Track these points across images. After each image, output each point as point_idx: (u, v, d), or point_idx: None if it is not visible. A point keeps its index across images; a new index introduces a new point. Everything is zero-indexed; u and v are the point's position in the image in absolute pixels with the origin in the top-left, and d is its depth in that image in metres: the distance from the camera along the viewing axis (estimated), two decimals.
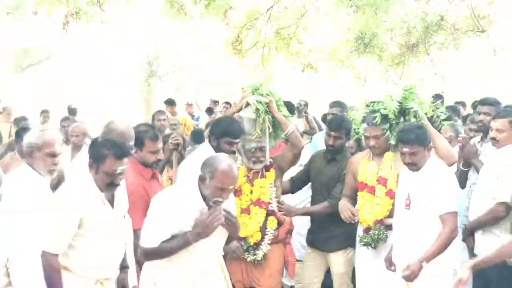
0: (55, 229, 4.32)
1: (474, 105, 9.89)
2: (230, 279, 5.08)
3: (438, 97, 10.81)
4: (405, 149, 5.07)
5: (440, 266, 4.95)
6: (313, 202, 6.55)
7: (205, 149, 5.79)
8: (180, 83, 19.01)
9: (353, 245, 6.17)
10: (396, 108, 5.63)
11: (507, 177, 5.45)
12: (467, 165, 6.16)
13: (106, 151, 4.47)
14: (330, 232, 6.17)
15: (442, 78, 14.09)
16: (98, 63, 18.86)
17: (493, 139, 5.75)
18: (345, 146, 6.49)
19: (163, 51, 17.38)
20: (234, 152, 5.78)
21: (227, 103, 14.06)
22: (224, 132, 5.75)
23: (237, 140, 5.77)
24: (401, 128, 5.33)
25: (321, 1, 13.98)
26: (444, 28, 13.12)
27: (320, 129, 10.35)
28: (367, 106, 5.90)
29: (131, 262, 5.01)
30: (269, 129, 6.10)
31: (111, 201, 4.60)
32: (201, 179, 4.44)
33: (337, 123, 6.36)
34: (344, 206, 5.87)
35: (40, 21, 14.89)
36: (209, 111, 15.40)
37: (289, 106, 8.15)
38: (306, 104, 11.04)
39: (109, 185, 4.50)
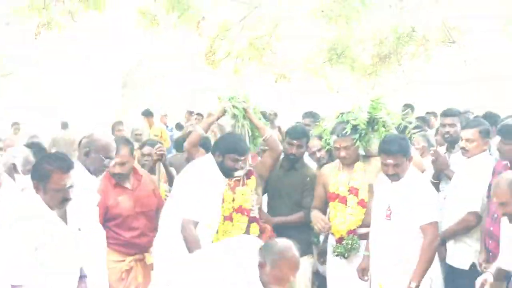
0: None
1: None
2: None
3: (408, 106, 10.93)
4: (389, 161, 5.10)
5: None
6: (271, 209, 6.56)
7: (207, 162, 5.72)
8: (156, 93, 18.94)
9: (310, 252, 6.23)
10: (366, 119, 5.66)
11: (477, 187, 5.51)
12: (437, 177, 6.20)
13: (50, 167, 4.29)
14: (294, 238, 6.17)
15: (414, 88, 14.22)
16: (72, 74, 18.73)
17: (463, 149, 5.80)
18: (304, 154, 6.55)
19: (139, 60, 17.34)
20: (236, 170, 5.70)
21: (198, 114, 14.02)
22: (230, 148, 5.67)
23: (242, 158, 5.68)
24: (383, 139, 5.35)
25: (294, 12, 14.02)
26: (415, 39, 13.22)
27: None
28: (337, 117, 5.93)
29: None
30: (248, 134, 6.16)
31: (64, 217, 4.44)
32: (260, 265, 4.07)
33: (299, 132, 6.41)
34: (317, 217, 5.87)
35: (12, 31, 14.70)
36: (179, 126, 15.32)
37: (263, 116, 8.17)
38: (275, 114, 11.06)
39: (62, 201, 4.33)
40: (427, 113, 11.33)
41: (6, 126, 14.50)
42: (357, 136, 5.62)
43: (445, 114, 6.62)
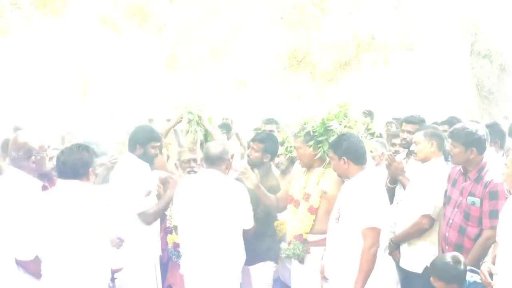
0: None
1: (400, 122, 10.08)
2: None
3: (367, 114, 10.99)
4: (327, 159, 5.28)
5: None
6: None
7: (129, 160, 5.76)
8: (117, 99, 18.79)
9: (274, 259, 6.19)
10: (320, 126, 5.64)
11: (431, 191, 5.54)
12: (393, 181, 6.22)
13: None
14: (252, 245, 6.14)
15: (375, 94, 14.34)
16: (30, 79, 18.47)
17: (412, 151, 5.87)
18: (262, 162, 6.50)
19: (98, 66, 17.21)
20: (157, 155, 5.84)
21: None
22: (149, 137, 5.79)
23: (159, 144, 5.83)
24: None
25: (254, 19, 14.09)
26: (375, 45, 13.38)
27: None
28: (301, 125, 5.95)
29: None
30: (200, 140, 6.22)
31: None
32: None
33: (261, 137, 6.42)
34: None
35: None
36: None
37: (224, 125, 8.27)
38: (231, 121, 11.05)
39: None
40: (394, 118, 11.40)
41: None
42: (311, 142, 5.60)
43: (406, 120, 6.68)
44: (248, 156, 6.39)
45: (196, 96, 15.77)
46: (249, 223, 5.50)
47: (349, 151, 5.11)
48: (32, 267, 4.45)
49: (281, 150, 6.67)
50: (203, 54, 15.20)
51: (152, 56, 15.23)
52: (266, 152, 6.29)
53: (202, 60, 15.21)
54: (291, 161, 6.73)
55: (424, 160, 5.80)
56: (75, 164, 4.54)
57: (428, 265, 5.18)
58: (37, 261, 4.44)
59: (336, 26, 12.80)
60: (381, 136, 9.18)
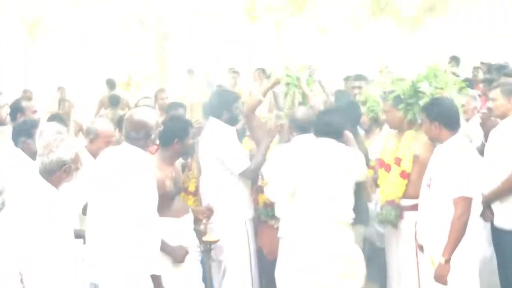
0: None
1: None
2: None
3: (453, 59, 10.65)
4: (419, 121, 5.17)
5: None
6: None
7: (217, 125, 5.78)
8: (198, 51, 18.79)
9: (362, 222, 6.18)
10: (409, 89, 5.49)
11: None
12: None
13: None
14: None
15: (460, 39, 13.83)
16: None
17: (489, 108, 5.75)
18: None
19: (179, 18, 17.24)
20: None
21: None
22: (233, 99, 5.86)
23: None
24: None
25: None
26: None
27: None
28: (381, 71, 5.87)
29: None
30: (298, 100, 6.21)
31: None
32: None
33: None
34: None
35: None
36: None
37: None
38: (313, 68, 10.81)
39: None
40: (474, 67, 11.04)
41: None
42: (401, 105, 5.46)
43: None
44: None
45: (278, 45, 15.69)
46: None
47: (441, 116, 4.97)
48: None
49: (363, 109, 6.56)
50: (283, 1, 15.00)
51: (232, 6, 15.17)
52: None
53: (282, 8, 15.01)
54: (375, 120, 6.62)
55: (502, 117, 5.62)
56: None
57: None
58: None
59: None
60: (470, 81, 8.89)
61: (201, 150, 5.82)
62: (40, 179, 4.08)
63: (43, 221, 3.94)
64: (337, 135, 5.55)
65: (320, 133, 5.52)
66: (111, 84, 13.35)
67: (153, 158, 5.18)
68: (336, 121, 5.60)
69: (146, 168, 4.65)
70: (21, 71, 18.35)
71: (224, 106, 5.85)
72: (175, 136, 5.09)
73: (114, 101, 11.36)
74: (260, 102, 6.22)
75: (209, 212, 5.45)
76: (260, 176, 6.05)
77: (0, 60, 18.17)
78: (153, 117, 4.84)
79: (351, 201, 5.25)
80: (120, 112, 10.49)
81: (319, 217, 5.16)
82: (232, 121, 5.85)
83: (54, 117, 7.45)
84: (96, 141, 5.35)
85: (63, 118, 7.58)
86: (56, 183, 4.12)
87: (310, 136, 5.68)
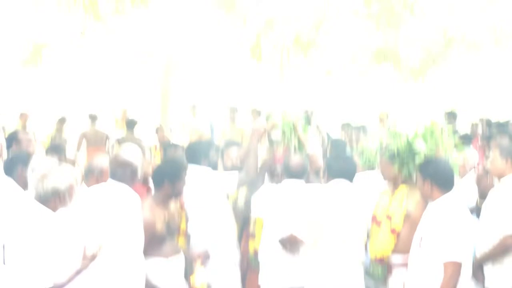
0: None
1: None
2: None
3: (450, 115, 10.66)
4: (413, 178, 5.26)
5: None
6: None
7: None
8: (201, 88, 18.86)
9: None
10: (405, 147, 5.49)
11: None
12: (484, 197, 5.99)
13: None
14: None
15: (460, 92, 13.91)
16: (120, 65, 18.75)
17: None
18: None
19: (182, 55, 17.35)
20: None
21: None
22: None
23: None
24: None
25: (340, 11, 13.88)
26: (466, 41, 12.95)
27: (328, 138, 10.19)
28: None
29: None
30: (294, 149, 6.25)
31: None
32: None
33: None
34: None
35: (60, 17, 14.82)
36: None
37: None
38: (312, 113, 10.87)
39: None
40: (473, 123, 11.06)
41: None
42: (396, 162, 5.47)
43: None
44: None
45: (280, 87, 15.79)
46: None
47: (434, 176, 4.97)
48: None
49: (359, 161, 6.60)
50: (288, 42, 15.11)
51: (237, 45, 15.28)
52: None
53: (287, 49, 15.13)
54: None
55: (499, 177, 5.60)
56: None
57: None
58: None
59: (425, 23, 12.44)
60: (468, 137, 8.91)
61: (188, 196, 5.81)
62: (37, 203, 4.11)
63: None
64: (351, 177, 5.62)
65: (334, 175, 5.58)
66: (93, 118, 13.66)
67: (147, 199, 5.21)
68: (351, 164, 5.68)
69: (130, 205, 4.67)
70: (21, 94, 18.45)
71: (201, 154, 5.96)
72: (165, 178, 5.12)
73: (130, 125, 12.04)
74: (264, 131, 6.26)
75: (206, 257, 5.44)
76: (252, 223, 6.08)
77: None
78: (139, 156, 4.90)
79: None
80: (136, 135, 10.99)
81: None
82: (212, 166, 5.97)
83: (54, 147, 7.50)
84: (100, 178, 5.29)
85: (62, 148, 7.61)
86: (51, 210, 4.15)
87: (301, 182, 5.75)
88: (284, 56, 14.94)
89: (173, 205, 5.39)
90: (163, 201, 5.22)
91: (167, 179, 5.16)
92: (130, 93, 18.92)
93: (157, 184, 5.22)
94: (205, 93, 17.70)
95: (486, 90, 16.53)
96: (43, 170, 4.32)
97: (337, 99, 16.93)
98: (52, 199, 4.15)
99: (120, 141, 11.35)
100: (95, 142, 12.75)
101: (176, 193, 5.26)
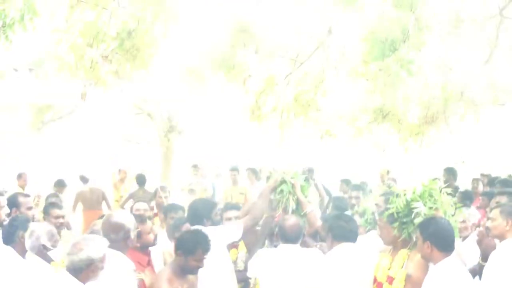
0: None
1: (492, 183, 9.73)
2: None
3: (449, 172, 10.64)
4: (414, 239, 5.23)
5: None
6: None
7: None
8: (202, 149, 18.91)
9: None
10: (403, 207, 5.46)
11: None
12: (486, 259, 5.93)
13: None
14: None
15: (461, 149, 13.97)
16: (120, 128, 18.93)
17: (487, 228, 5.70)
18: None
19: (184, 115, 17.50)
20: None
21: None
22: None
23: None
24: None
25: (340, 69, 13.98)
26: (464, 100, 13.01)
27: (329, 194, 10.17)
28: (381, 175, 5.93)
29: None
30: (292, 207, 6.33)
31: None
32: None
33: None
34: None
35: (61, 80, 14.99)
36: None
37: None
38: (311, 170, 10.90)
39: None
40: (474, 179, 11.04)
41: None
42: (395, 224, 5.43)
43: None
44: None
45: (280, 146, 15.84)
46: None
47: (434, 237, 4.95)
48: None
49: (360, 221, 6.61)
50: (288, 102, 15.21)
51: (236, 106, 15.39)
52: None
53: (287, 109, 15.22)
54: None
55: (500, 238, 5.57)
56: None
57: None
58: None
59: (423, 83, 12.53)
60: (469, 193, 8.88)
61: None
62: (69, 275, 4.10)
63: None
64: (354, 238, 5.59)
65: (338, 238, 5.54)
66: (84, 179, 13.73)
67: (164, 270, 5.11)
68: (353, 225, 5.65)
69: (123, 272, 4.62)
70: (22, 156, 18.54)
71: (204, 214, 5.96)
72: (199, 247, 5.02)
73: (141, 181, 12.28)
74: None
75: None
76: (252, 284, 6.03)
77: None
78: (131, 219, 4.86)
79: None
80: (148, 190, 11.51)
81: None
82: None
83: (52, 204, 7.49)
84: None
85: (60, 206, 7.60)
86: (82, 281, 4.14)
87: (296, 247, 5.71)
88: (284, 116, 15.01)
89: (191, 276, 5.19)
90: (188, 271, 5.04)
91: (201, 247, 5.00)
92: (131, 154, 19.00)
93: (188, 252, 5.02)
94: (206, 153, 17.76)
95: (486, 146, 16.61)
96: (78, 240, 4.35)
97: (337, 158, 17.01)
98: (85, 270, 4.16)
99: (133, 196, 11.50)
100: (91, 204, 12.74)
101: (203, 263, 5.10)
